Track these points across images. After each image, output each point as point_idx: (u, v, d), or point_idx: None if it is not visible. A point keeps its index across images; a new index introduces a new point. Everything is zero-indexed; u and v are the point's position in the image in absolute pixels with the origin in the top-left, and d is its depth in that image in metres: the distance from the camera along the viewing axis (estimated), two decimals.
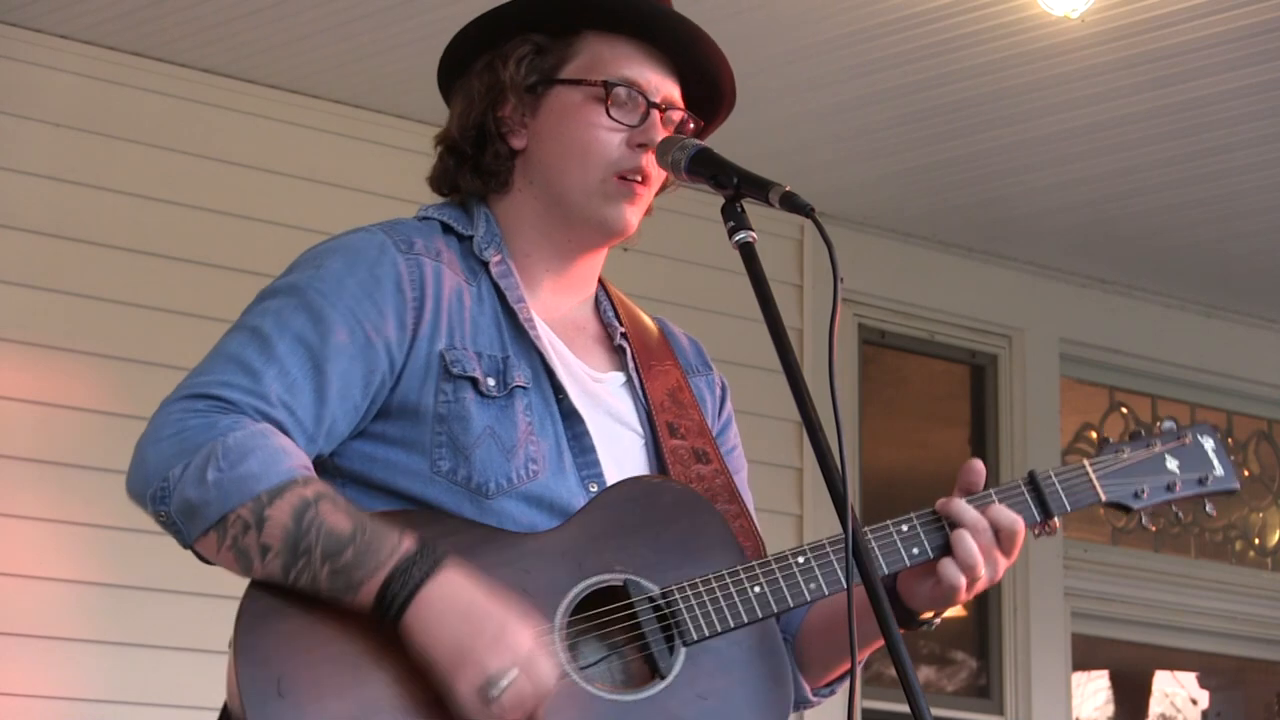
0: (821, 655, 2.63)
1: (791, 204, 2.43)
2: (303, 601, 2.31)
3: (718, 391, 2.76)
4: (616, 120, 2.57)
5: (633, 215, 2.59)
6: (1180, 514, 2.72)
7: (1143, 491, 2.67)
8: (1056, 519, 2.61)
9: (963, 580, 2.51)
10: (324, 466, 2.45)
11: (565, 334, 2.60)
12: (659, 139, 2.57)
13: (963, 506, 2.53)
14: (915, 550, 2.53)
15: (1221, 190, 6.56)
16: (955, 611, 7.67)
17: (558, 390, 2.53)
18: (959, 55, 5.65)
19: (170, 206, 5.69)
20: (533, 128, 2.60)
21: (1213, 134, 6.12)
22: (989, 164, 6.41)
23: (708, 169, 2.52)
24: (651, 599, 2.41)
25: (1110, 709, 9.38)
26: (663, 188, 2.65)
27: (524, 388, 2.50)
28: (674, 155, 2.55)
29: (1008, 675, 7.13)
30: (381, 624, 2.29)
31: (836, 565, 2.48)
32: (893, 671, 2.52)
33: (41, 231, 5.50)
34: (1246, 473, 8.06)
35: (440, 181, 2.66)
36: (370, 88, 5.88)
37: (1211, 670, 8.98)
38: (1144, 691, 9.32)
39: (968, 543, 2.51)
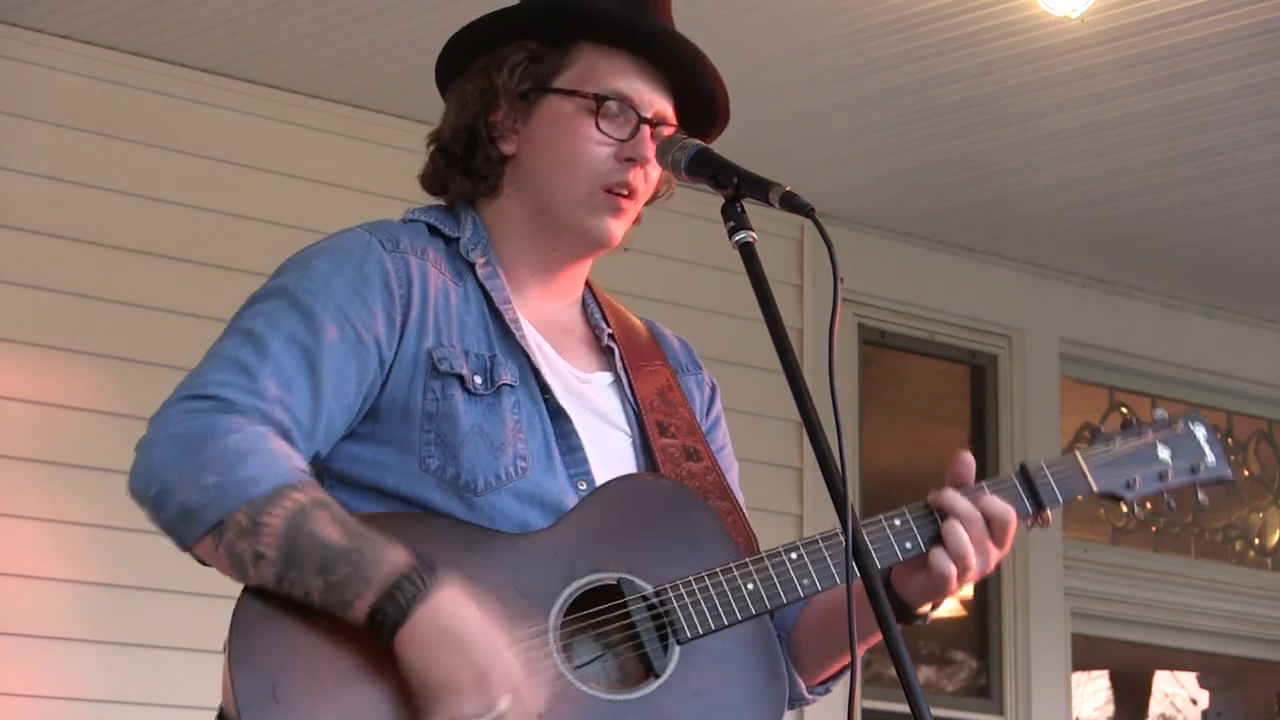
0: (817, 652, 2.63)
1: (791, 204, 2.43)
2: (298, 607, 2.30)
3: (707, 391, 2.76)
4: (606, 133, 2.57)
5: (617, 228, 2.59)
6: (1173, 503, 2.71)
7: (1135, 481, 2.67)
8: (1049, 510, 2.61)
9: (953, 570, 2.51)
10: (314, 467, 2.45)
11: (551, 335, 2.60)
12: (648, 155, 2.57)
13: (955, 497, 2.54)
14: (908, 544, 2.53)
15: (1221, 190, 6.56)
16: (955, 611, 7.68)
17: (544, 389, 2.53)
18: (959, 55, 5.65)
19: (170, 206, 5.69)
20: (523, 134, 2.60)
21: (1213, 134, 6.12)
22: (989, 164, 6.41)
23: (708, 169, 2.52)
24: (645, 598, 2.41)
25: (1110, 709, 9.39)
26: (653, 198, 2.65)
27: (511, 386, 2.50)
28: (674, 155, 2.55)
29: (1008, 675, 7.13)
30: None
31: (829, 559, 2.49)
32: (892, 671, 2.52)
33: (41, 231, 5.50)
34: (1246, 473, 8.06)
35: (431, 181, 2.67)
36: (370, 88, 5.88)
37: (1211, 670, 8.98)
38: (1144, 691, 9.33)
39: (959, 533, 2.51)
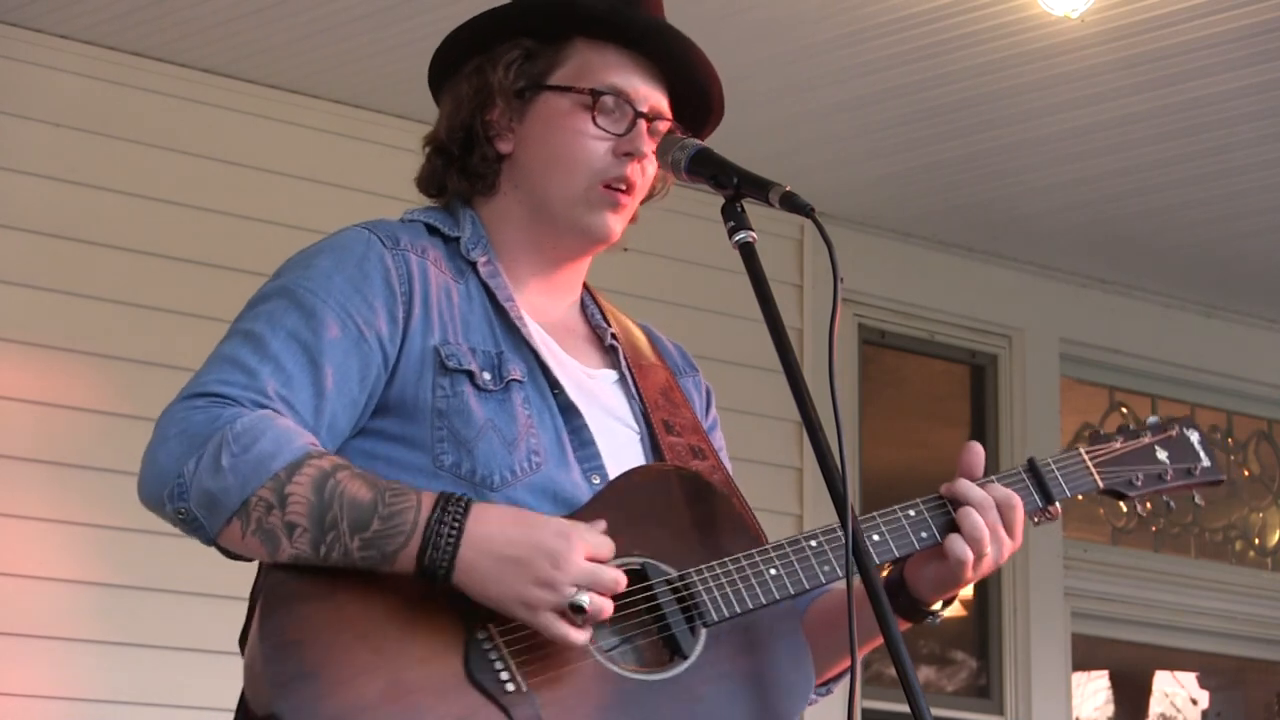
0: (819, 653, 2.63)
1: (791, 204, 2.44)
2: (325, 584, 2.30)
3: (704, 393, 2.77)
4: (603, 129, 2.57)
5: (616, 224, 2.59)
6: (1172, 503, 2.78)
7: (1137, 479, 2.72)
8: (1057, 505, 2.64)
9: (970, 555, 2.52)
10: None
11: (555, 333, 2.61)
12: (645, 149, 2.58)
13: (968, 485, 2.56)
14: (924, 534, 2.55)
15: (1221, 190, 6.56)
16: (955, 611, 7.69)
17: (553, 385, 2.53)
18: (959, 55, 5.66)
19: (170, 206, 5.69)
20: (520, 133, 2.60)
21: (1213, 134, 6.12)
22: (989, 164, 6.42)
23: (708, 169, 2.53)
24: (670, 581, 2.42)
25: (1110, 709, 9.39)
26: (649, 197, 2.66)
27: (520, 381, 2.50)
28: (674, 155, 2.56)
29: (1008, 675, 7.13)
30: (433, 587, 2.30)
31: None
32: (893, 671, 2.53)
33: (41, 231, 5.51)
34: (1246, 473, 8.06)
35: (428, 182, 2.67)
36: (370, 88, 5.88)
37: (1211, 670, 8.98)
38: (1144, 691, 9.33)
39: (974, 517, 2.53)
